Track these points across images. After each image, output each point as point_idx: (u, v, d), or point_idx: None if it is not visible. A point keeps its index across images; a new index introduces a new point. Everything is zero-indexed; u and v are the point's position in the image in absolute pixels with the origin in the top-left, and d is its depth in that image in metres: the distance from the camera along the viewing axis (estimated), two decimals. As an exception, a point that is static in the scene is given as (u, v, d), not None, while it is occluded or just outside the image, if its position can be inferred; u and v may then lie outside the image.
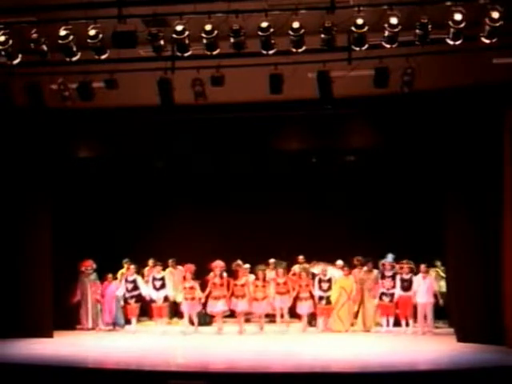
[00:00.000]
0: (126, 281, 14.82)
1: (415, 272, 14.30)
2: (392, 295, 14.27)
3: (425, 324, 14.06)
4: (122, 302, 15.02)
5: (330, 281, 14.51)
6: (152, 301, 14.86)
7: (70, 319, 15.08)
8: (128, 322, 15.06)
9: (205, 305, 14.66)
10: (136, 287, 14.76)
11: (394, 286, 14.28)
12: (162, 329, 14.58)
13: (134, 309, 14.86)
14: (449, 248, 13.81)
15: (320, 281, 14.54)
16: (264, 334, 14.28)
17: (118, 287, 15.00)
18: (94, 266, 15.12)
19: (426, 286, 14.11)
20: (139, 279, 14.88)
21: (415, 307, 14.17)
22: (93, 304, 15.06)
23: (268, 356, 11.72)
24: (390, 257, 14.67)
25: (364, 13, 9.94)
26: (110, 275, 15.26)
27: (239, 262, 14.95)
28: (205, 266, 14.97)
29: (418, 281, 14.14)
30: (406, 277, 14.26)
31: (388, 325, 14.39)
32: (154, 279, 14.78)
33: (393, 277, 14.34)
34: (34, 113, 12.70)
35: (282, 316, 14.76)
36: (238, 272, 14.70)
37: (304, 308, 14.63)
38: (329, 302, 14.46)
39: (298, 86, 11.33)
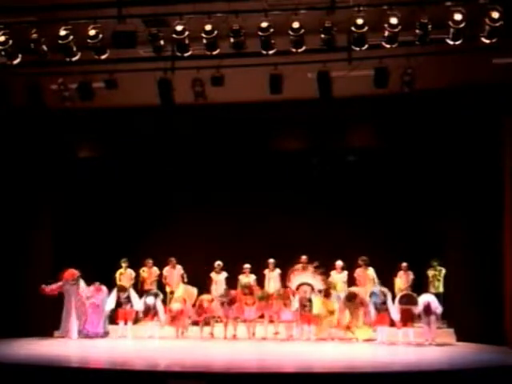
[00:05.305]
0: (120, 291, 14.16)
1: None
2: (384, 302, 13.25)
3: (429, 330, 13.04)
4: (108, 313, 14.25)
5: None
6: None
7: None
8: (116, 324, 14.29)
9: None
10: (129, 300, 14.12)
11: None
12: (149, 333, 14.08)
13: (128, 313, 14.13)
14: (449, 248, 13.82)
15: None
16: (258, 336, 13.90)
17: (104, 297, 14.15)
18: (78, 274, 14.06)
19: None
20: (133, 293, 14.22)
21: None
22: (78, 315, 13.98)
23: (267, 356, 11.71)
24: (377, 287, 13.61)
25: (364, 13, 9.96)
26: (97, 283, 14.23)
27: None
28: (204, 266, 14.94)
29: None
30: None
31: (381, 336, 13.23)
32: None
33: None
34: (33, 113, 12.73)
35: (271, 321, 13.85)
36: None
37: (286, 314, 13.66)
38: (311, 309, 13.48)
39: (298, 86, 11.34)
